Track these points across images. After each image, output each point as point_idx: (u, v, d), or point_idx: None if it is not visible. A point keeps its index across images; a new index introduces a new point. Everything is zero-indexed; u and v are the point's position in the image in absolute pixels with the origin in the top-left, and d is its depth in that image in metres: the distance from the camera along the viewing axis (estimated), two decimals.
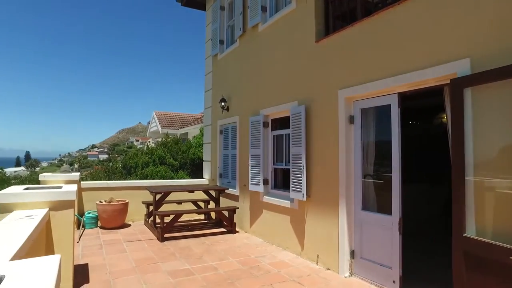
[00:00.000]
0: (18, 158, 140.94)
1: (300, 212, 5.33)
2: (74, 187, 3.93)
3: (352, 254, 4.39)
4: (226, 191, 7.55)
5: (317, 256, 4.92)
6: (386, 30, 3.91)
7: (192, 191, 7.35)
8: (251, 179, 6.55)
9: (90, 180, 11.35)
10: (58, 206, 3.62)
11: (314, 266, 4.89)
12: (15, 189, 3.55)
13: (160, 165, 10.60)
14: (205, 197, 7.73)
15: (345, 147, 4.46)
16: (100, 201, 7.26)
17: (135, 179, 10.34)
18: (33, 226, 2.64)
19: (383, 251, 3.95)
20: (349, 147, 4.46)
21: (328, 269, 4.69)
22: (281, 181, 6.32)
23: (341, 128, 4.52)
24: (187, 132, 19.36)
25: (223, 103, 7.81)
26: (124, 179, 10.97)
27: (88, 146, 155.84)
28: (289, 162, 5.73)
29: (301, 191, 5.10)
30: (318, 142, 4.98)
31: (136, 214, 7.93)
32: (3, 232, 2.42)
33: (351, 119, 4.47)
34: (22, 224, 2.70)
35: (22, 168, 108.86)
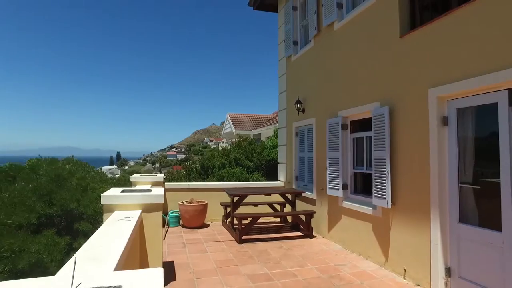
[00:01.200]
0: (111, 157, 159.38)
1: (384, 220, 4.97)
2: (161, 191, 4.22)
3: (448, 271, 3.93)
4: (303, 194, 7.44)
5: (404, 269, 4.53)
6: (490, 18, 3.41)
7: (269, 194, 7.39)
8: (329, 183, 6.33)
9: (172, 179, 12.19)
10: (149, 208, 3.92)
11: (400, 280, 4.51)
12: (115, 192, 3.92)
13: (236, 167, 10.92)
14: (281, 199, 7.71)
15: (437, 151, 4.01)
16: (182, 202, 7.72)
17: (212, 180, 10.82)
18: (131, 227, 2.90)
19: (492, 273, 3.43)
20: (442, 151, 4.01)
21: (418, 285, 4.28)
22: (362, 186, 5.97)
23: (432, 130, 4.08)
24: (260, 133, 19.69)
25: (298, 105, 7.71)
26: (202, 180, 11.56)
27: (168, 147, 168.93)
28: (370, 166, 5.40)
29: (385, 198, 4.74)
30: (404, 146, 4.58)
31: (215, 214, 8.26)
32: (111, 232, 2.72)
33: (445, 120, 4.00)
34: (122, 225, 2.98)
35: (115, 166, 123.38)
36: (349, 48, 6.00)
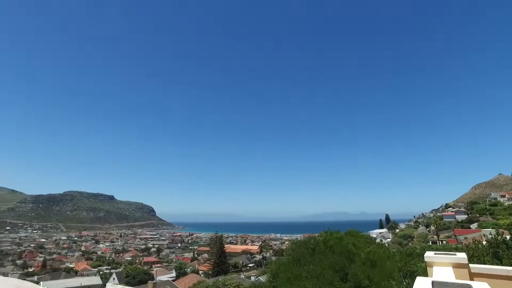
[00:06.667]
0: (380, 220, 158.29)
1: None
2: None
3: None
4: None
5: None
6: None
7: None
8: None
9: (470, 258, 10.00)
10: None
11: None
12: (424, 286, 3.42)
13: None
14: None
15: None
16: None
17: None
18: None
19: None
20: None
21: None
22: None
23: None
24: None
25: None
26: None
27: (441, 206, 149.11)
28: None
29: None
30: None
31: None
32: None
33: None
34: None
35: (385, 230, 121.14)
36: None
